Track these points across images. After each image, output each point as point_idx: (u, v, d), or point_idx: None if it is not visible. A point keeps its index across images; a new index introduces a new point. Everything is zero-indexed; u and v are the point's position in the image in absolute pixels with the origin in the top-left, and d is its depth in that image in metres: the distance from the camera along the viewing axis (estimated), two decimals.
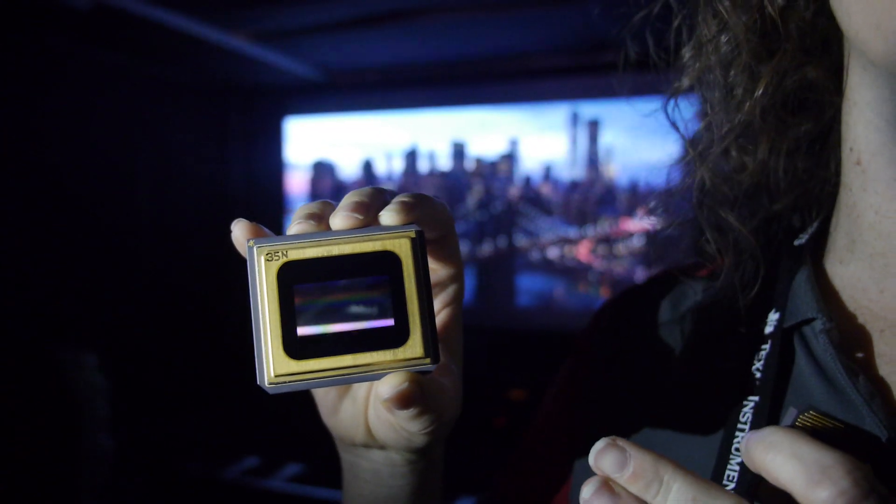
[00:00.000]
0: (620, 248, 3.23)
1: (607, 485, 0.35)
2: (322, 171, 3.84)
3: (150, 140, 3.23)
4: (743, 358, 0.53)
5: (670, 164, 0.62)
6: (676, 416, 0.56)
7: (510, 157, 3.50)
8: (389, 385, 0.41)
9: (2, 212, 2.62)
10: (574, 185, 3.39)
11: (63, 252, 2.82)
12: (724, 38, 0.56)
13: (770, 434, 0.31)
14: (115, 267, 3.04)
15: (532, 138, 3.45)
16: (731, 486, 0.48)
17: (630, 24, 0.61)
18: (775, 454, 0.31)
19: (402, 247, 0.42)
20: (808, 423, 0.33)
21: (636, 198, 3.17)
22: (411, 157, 3.68)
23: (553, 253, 3.41)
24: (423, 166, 3.66)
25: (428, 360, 0.42)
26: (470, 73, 3.47)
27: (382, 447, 0.51)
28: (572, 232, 3.37)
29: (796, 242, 0.57)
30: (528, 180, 3.47)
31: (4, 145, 2.62)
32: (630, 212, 3.15)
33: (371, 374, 0.42)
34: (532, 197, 3.46)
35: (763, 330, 0.53)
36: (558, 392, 0.71)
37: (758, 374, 0.51)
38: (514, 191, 3.50)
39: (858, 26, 0.43)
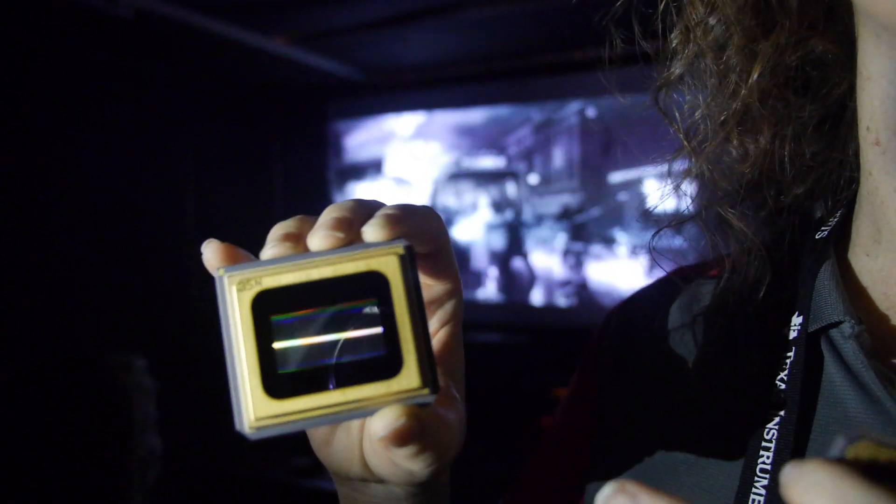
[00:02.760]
0: None
1: None
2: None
3: (194, 145, 3.28)
4: (765, 367, 0.48)
5: (666, 160, 0.56)
6: (693, 433, 0.51)
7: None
8: (384, 422, 0.36)
9: (52, 218, 2.68)
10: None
11: (112, 256, 2.88)
12: (712, 21, 0.51)
13: (812, 471, 0.26)
14: (163, 270, 3.09)
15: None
16: (762, 498, 0.44)
17: (614, 10, 0.55)
18: (816, 496, 0.25)
19: (389, 265, 0.38)
20: (862, 456, 0.27)
21: None
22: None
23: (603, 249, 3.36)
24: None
25: (426, 391, 0.37)
26: (515, 67, 3.44)
27: (381, 481, 0.46)
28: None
29: (818, 236, 0.51)
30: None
31: (51, 152, 2.69)
32: None
33: (363, 410, 0.37)
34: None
35: (787, 335, 0.48)
36: (568, 405, 0.66)
37: (782, 386, 0.46)
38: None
39: None
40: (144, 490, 1.56)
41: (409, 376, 0.37)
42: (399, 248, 0.38)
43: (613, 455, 0.56)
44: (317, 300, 0.37)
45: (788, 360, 0.47)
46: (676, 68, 0.54)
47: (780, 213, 0.53)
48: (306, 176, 3.87)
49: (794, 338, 0.47)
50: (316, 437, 0.47)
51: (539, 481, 0.65)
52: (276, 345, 0.37)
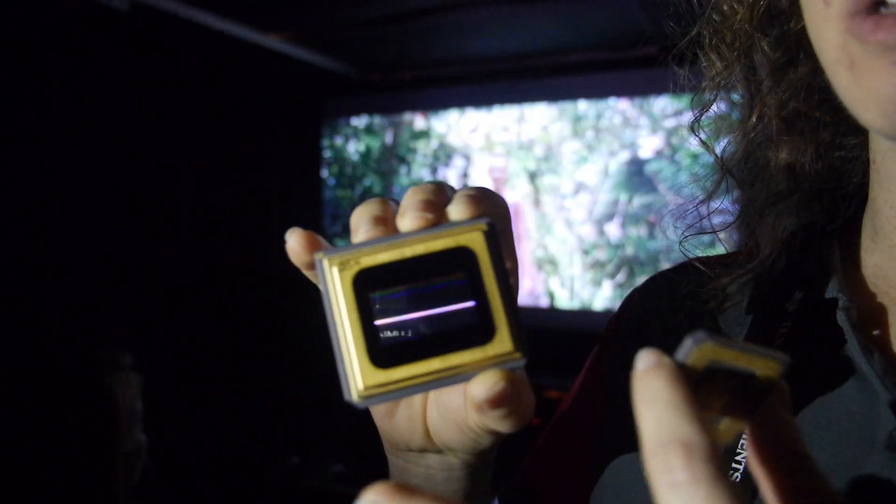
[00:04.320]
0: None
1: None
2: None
3: (189, 139, 3.27)
4: (765, 335, 0.55)
5: (699, 178, 0.64)
6: None
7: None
8: (483, 386, 0.39)
9: (41, 213, 2.67)
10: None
11: (102, 251, 2.86)
12: (733, 78, 0.59)
13: (647, 371, 0.31)
14: (153, 265, 3.08)
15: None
16: (740, 469, 0.49)
17: (675, 47, 0.62)
18: (638, 398, 0.30)
19: (475, 240, 0.41)
20: (706, 356, 0.32)
21: None
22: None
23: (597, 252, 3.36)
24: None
25: (519, 355, 0.40)
26: (513, 68, 3.43)
27: (439, 451, 0.49)
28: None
29: (828, 228, 0.59)
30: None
31: (42, 146, 2.67)
32: None
33: (462, 376, 0.40)
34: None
35: (787, 309, 0.55)
36: (584, 380, 0.70)
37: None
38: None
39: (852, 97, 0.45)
40: (130, 485, 1.55)
41: (502, 342, 0.40)
42: (483, 224, 0.41)
43: (627, 424, 0.60)
44: (411, 276, 0.40)
45: (785, 331, 0.54)
46: (708, 97, 0.61)
47: (801, 210, 0.60)
48: (301, 170, 3.86)
49: (793, 311, 0.55)
50: (378, 410, 0.50)
51: (553, 453, 0.69)
52: (378, 319, 0.40)
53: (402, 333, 0.40)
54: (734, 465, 0.50)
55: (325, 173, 3.88)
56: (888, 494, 0.45)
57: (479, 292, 0.40)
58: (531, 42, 3.13)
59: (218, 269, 3.33)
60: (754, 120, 0.59)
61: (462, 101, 3.58)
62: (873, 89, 0.43)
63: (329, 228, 3.84)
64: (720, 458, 0.29)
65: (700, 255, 0.65)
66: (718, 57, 0.58)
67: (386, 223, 0.42)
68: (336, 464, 3.25)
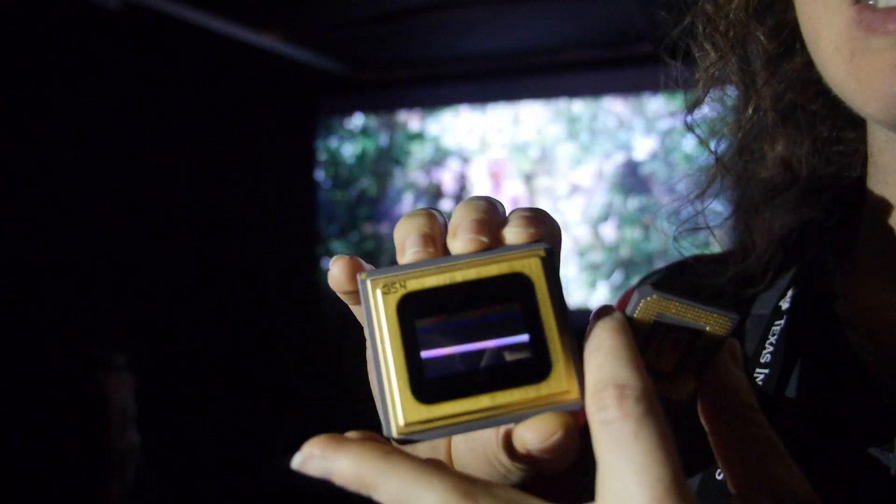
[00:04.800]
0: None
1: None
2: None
3: (183, 139, 3.26)
4: (760, 333, 0.55)
5: (695, 172, 0.63)
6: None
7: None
8: (537, 433, 0.35)
9: (35, 211, 2.67)
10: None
11: (96, 254, 2.86)
12: (727, 69, 0.58)
13: (599, 325, 0.32)
14: (148, 268, 3.08)
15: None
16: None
17: (666, 40, 0.61)
18: (586, 347, 0.32)
19: (532, 267, 0.37)
20: (652, 309, 0.34)
21: None
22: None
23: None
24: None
25: (577, 396, 0.35)
26: (505, 67, 3.44)
27: None
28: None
29: (826, 224, 0.58)
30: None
31: (36, 144, 2.67)
32: None
33: (513, 416, 0.36)
34: None
35: (781, 306, 0.54)
36: None
37: (770, 348, 0.52)
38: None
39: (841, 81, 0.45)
40: (124, 484, 1.56)
41: (558, 380, 0.36)
42: (540, 250, 0.38)
43: None
44: (461, 303, 0.37)
45: (778, 327, 0.53)
46: (700, 93, 0.60)
47: (799, 206, 0.59)
48: (296, 171, 3.86)
49: (787, 308, 0.54)
50: None
51: None
52: (423, 348, 0.36)
53: (449, 366, 0.36)
54: None
55: (320, 175, 3.88)
56: (880, 491, 0.44)
57: (534, 324, 0.36)
58: (527, 40, 3.14)
59: (213, 270, 3.33)
60: (749, 112, 0.58)
61: (457, 100, 3.58)
62: (876, 85, 0.43)
63: (324, 231, 3.84)
64: (653, 399, 0.30)
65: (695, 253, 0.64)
66: (712, 47, 0.57)
67: (435, 242, 0.39)
68: None
